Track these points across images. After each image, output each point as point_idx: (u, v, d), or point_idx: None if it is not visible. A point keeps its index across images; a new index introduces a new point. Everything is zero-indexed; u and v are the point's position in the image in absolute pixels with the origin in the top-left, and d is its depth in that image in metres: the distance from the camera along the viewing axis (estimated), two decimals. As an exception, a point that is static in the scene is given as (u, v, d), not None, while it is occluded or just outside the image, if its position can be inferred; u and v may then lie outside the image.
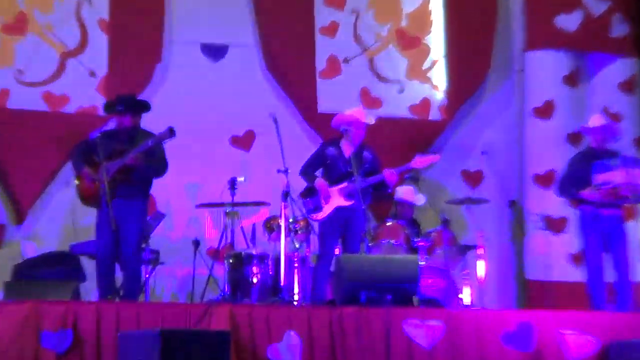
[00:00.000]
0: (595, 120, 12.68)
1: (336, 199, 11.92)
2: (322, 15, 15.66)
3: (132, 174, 11.46)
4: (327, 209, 12.01)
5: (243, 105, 14.70)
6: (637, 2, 15.87)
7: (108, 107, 12.36)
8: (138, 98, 12.53)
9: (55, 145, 13.59)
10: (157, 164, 11.61)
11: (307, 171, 12.21)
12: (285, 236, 12.09)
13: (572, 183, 12.34)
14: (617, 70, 15.66)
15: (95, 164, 11.43)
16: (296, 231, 12.36)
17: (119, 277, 11.95)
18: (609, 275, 12.25)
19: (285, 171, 12.11)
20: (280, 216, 12.17)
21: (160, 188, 12.73)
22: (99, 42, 14.88)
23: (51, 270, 12.37)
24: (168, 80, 14.90)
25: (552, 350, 10.82)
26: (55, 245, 13.59)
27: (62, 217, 13.81)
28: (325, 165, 12.12)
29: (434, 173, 14.94)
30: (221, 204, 13.11)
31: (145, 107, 12.08)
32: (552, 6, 15.59)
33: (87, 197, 11.66)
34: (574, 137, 14.66)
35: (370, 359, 10.38)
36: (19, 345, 9.86)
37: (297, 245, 12.32)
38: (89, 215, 12.36)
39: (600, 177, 11.89)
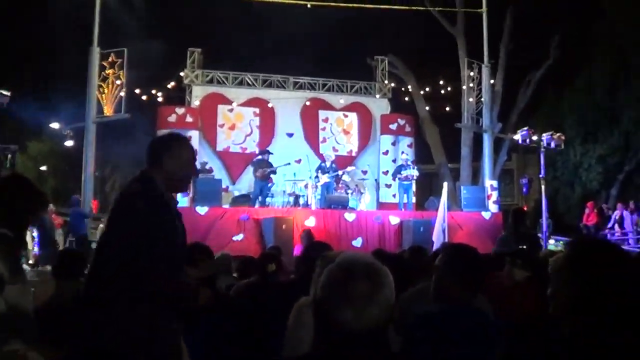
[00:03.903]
0: (402, 157, 12.61)
1: (323, 180, 11.41)
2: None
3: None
4: (321, 181, 11.41)
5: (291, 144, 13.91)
6: (416, 119, 15.49)
7: (262, 152, 12.14)
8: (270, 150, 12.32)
9: (245, 160, 13.23)
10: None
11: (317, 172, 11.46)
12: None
13: (395, 174, 12.06)
14: (407, 141, 14.62)
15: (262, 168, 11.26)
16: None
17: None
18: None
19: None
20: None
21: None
22: (256, 132, 14.38)
23: (243, 198, 12.06)
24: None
25: (387, 222, 10.78)
26: (246, 190, 12.99)
27: (249, 179, 12.77)
28: (321, 168, 11.51)
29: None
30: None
31: (270, 152, 11.98)
32: (389, 120, 14.76)
33: (260, 178, 11.29)
34: (396, 161, 13.58)
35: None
36: (232, 219, 9.93)
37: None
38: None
39: (402, 172, 11.75)
